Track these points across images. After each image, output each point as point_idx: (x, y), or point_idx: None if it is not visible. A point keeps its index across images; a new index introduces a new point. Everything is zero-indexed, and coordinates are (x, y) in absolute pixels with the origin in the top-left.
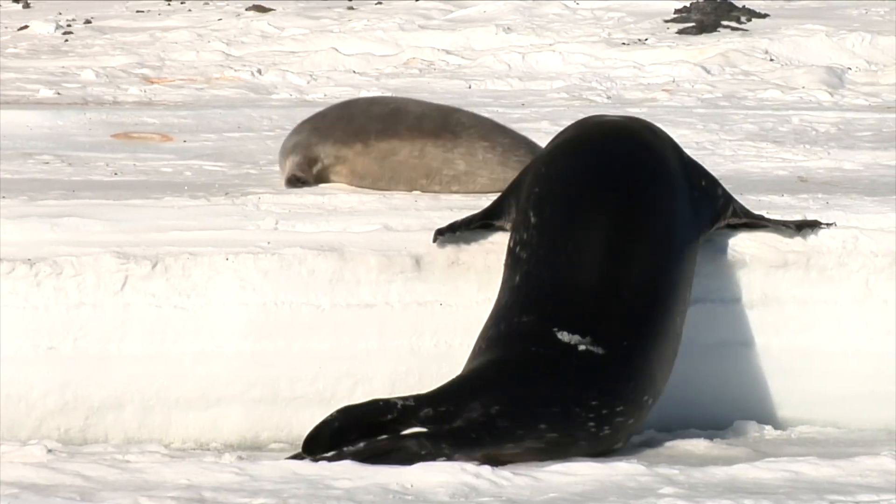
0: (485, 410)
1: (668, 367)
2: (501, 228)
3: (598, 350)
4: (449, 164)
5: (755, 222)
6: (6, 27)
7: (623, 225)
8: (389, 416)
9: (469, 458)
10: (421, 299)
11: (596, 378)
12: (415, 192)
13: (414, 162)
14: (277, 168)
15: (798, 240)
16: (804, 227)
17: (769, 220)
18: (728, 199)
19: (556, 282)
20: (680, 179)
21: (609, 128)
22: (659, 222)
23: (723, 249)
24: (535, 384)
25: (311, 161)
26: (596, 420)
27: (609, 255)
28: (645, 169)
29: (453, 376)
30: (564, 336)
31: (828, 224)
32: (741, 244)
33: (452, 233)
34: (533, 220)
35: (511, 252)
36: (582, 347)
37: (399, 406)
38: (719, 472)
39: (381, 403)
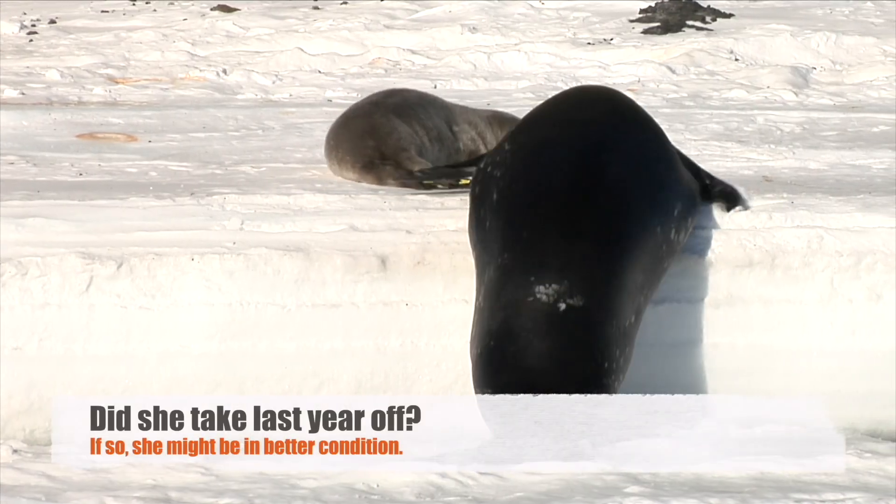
0: None
1: (647, 280)
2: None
3: (578, 302)
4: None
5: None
6: None
7: (589, 147)
8: None
9: None
10: (387, 299)
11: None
12: (381, 191)
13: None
14: (243, 168)
15: (764, 239)
16: (721, 196)
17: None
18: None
19: (529, 196)
20: (659, 132)
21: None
22: (630, 146)
23: (688, 249)
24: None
25: None
26: (619, 377)
27: (580, 171)
28: (621, 102)
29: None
30: (543, 295)
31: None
32: (707, 244)
33: (439, 179)
34: (507, 146)
35: (482, 171)
36: (562, 306)
37: None
38: (685, 471)
39: None
